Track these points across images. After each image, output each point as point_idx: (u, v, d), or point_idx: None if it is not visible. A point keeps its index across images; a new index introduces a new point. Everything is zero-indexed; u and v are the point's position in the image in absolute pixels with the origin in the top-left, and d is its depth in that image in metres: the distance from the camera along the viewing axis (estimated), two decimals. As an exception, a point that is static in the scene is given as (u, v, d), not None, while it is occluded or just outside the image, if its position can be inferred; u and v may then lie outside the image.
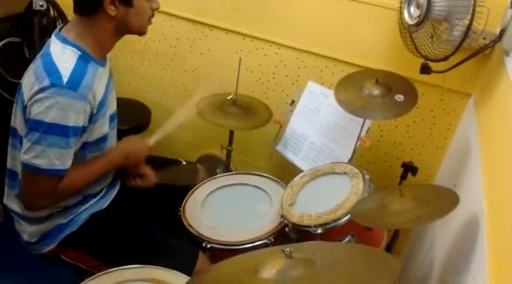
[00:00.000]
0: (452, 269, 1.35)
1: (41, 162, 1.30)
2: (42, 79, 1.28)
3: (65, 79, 1.28)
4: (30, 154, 1.30)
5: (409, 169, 1.88)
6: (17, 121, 1.41)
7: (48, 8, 2.26)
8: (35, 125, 1.29)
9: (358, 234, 1.51)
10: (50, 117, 1.27)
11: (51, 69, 1.30)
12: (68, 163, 1.35)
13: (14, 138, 1.44)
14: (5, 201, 1.54)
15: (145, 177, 1.67)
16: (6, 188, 1.53)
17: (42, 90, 1.27)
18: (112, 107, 1.54)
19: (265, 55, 2.30)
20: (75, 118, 1.31)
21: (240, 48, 2.33)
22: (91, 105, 1.35)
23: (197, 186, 1.85)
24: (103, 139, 1.48)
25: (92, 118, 1.38)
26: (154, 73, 2.60)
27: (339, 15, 2.08)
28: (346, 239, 1.50)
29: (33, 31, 2.24)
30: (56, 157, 1.31)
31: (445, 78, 1.80)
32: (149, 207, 1.81)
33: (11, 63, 2.31)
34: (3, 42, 2.26)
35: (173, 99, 2.63)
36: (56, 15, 2.32)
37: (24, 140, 1.32)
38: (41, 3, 2.20)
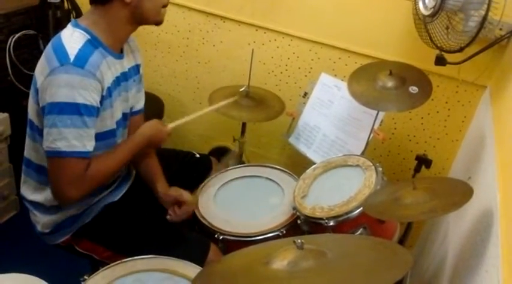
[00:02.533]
0: (465, 262, 1.34)
1: (60, 145, 1.30)
2: (51, 61, 1.30)
3: (72, 58, 1.29)
4: (49, 139, 1.31)
5: (423, 162, 1.87)
6: (32, 112, 1.42)
7: (62, 1, 2.27)
8: (49, 108, 1.30)
9: (371, 227, 1.51)
10: (61, 97, 1.28)
11: (59, 50, 1.31)
12: (88, 144, 1.34)
13: (31, 130, 1.46)
14: (21, 191, 1.56)
15: (184, 205, 1.61)
16: (22, 176, 1.55)
17: (52, 71, 1.28)
18: (119, 113, 1.50)
19: (278, 47, 2.29)
20: (85, 95, 1.30)
21: (252, 40, 2.33)
22: (101, 84, 1.34)
23: (210, 178, 1.86)
24: (110, 134, 1.46)
25: (105, 101, 1.38)
26: (167, 65, 2.61)
27: (353, 6, 2.06)
28: (358, 232, 1.50)
29: (48, 24, 2.27)
30: (74, 138, 1.31)
31: (460, 70, 1.78)
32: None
33: (25, 55, 2.34)
34: (18, 34, 2.29)
35: (186, 91, 2.63)
36: (70, 7, 2.34)
37: (44, 126, 1.33)
38: (55, -4, 2.22)
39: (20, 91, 2.27)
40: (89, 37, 1.36)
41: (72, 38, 1.34)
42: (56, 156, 1.32)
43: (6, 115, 2.14)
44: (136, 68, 1.60)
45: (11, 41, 2.26)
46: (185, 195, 1.61)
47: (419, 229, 2.22)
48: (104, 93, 1.37)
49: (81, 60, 1.30)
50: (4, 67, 2.26)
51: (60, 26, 2.26)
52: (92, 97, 1.32)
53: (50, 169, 1.38)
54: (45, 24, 2.28)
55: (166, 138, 1.62)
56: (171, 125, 1.66)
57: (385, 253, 1.01)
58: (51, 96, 1.29)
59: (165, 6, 1.45)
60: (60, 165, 1.34)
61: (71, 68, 1.28)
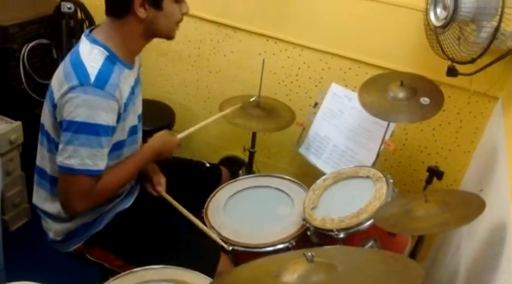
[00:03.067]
0: (478, 277, 1.33)
1: (73, 162, 1.33)
2: (70, 78, 1.31)
3: (92, 78, 1.30)
4: (63, 155, 1.33)
5: (434, 173, 1.85)
6: (45, 117, 1.44)
7: (75, 11, 2.30)
8: (66, 125, 1.32)
9: (381, 239, 1.49)
10: (80, 116, 1.30)
11: (79, 68, 1.32)
12: (100, 164, 1.36)
13: (42, 134, 1.48)
14: (33, 200, 1.57)
15: (155, 186, 1.65)
16: (35, 186, 1.56)
17: (70, 89, 1.30)
18: (133, 119, 1.52)
19: (288, 57, 2.30)
20: (105, 116, 1.33)
21: (263, 50, 2.33)
22: (119, 103, 1.37)
23: (219, 188, 1.86)
24: (119, 145, 1.48)
25: (120, 118, 1.40)
26: (178, 74, 2.62)
27: (363, 16, 2.06)
28: (369, 244, 1.49)
29: (61, 33, 2.29)
30: (88, 157, 1.33)
31: (472, 81, 1.77)
32: (172, 207, 1.83)
33: (39, 64, 2.37)
34: (32, 43, 2.32)
35: (196, 100, 2.65)
36: (83, 17, 2.37)
37: (60, 141, 1.35)
38: (68, 6, 2.24)
39: (33, 99, 2.30)
40: (107, 54, 1.37)
41: (91, 56, 1.35)
42: (68, 172, 1.34)
43: (19, 123, 2.16)
44: (139, 69, 1.61)
45: (25, 50, 2.29)
46: (160, 188, 1.64)
47: (431, 241, 2.20)
48: (121, 111, 1.39)
49: (101, 81, 1.31)
50: (18, 76, 2.29)
51: (74, 35, 2.29)
52: (109, 118, 1.34)
53: (60, 183, 1.41)
54: (58, 33, 2.31)
55: (175, 148, 1.64)
56: (180, 135, 1.67)
57: (396, 266, 1.00)
58: (69, 114, 1.30)
59: (179, 22, 1.46)
60: (71, 180, 1.36)
61: (92, 89, 1.30)
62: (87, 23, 2.38)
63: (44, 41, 2.38)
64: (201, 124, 1.81)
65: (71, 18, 2.29)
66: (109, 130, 1.36)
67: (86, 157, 1.33)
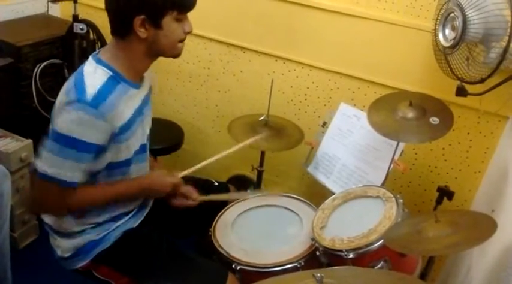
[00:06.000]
0: (491, 300, 1.30)
1: (53, 171, 1.34)
2: (70, 93, 1.33)
3: (90, 97, 1.31)
4: (42, 160, 1.34)
5: (445, 193, 1.83)
6: None
7: (88, 31, 2.34)
8: (55, 137, 1.33)
9: (392, 260, 1.47)
10: (70, 131, 1.31)
11: (79, 86, 1.34)
12: (78, 176, 1.38)
13: None
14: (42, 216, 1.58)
15: (188, 196, 1.67)
16: None
17: (67, 103, 1.32)
18: (141, 138, 1.53)
19: (297, 77, 2.31)
20: (90, 133, 1.33)
21: (272, 70, 2.35)
22: (111, 125, 1.37)
23: (228, 207, 1.85)
24: (124, 163, 1.49)
25: (115, 139, 1.40)
26: (188, 94, 2.64)
27: (372, 36, 2.07)
28: (379, 265, 1.47)
29: (74, 53, 2.33)
30: (68, 169, 1.35)
31: (482, 101, 1.76)
32: (180, 226, 1.82)
33: (50, 83, 2.40)
34: (44, 63, 2.35)
35: (206, 119, 2.66)
36: (95, 38, 2.40)
37: (43, 147, 1.36)
38: (81, 27, 2.28)
39: (44, 118, 2.32)
40: (111, 73, 1.39)
41: (94, 75, 1.36)
42: (44, 178, 1.35)
43: (29, 141, 2.18)
44: (150, 88, 1.62)
45: (37, 70, 2.32)
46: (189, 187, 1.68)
47: (441, 262, 2.17)
48: (116, 131, 1.39)
49: (97, 100, 1.32)
50: (30, 94, 2.32)
51: (86, 55, 2.31)
52: (95, 137, 1.34)
53: (36, 185, 1.41)
54: (71, 53, 2.35)
55: (170, 189, 1.60)
56: (181, 174, 1.67)
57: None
58: (60, 127, 1.32)
59: (182, 41, 1.46)
60: (45, 187, 1.38)
61: (86, 107, 1.30)
62: (99, 44, 2.41)
63: (57, 60, 2.42)
64: (205, 162, 1.79)
65: (83, 38, 2.33)
66: (92, 148, 1.35)
67: (66, 169, 1.34)
